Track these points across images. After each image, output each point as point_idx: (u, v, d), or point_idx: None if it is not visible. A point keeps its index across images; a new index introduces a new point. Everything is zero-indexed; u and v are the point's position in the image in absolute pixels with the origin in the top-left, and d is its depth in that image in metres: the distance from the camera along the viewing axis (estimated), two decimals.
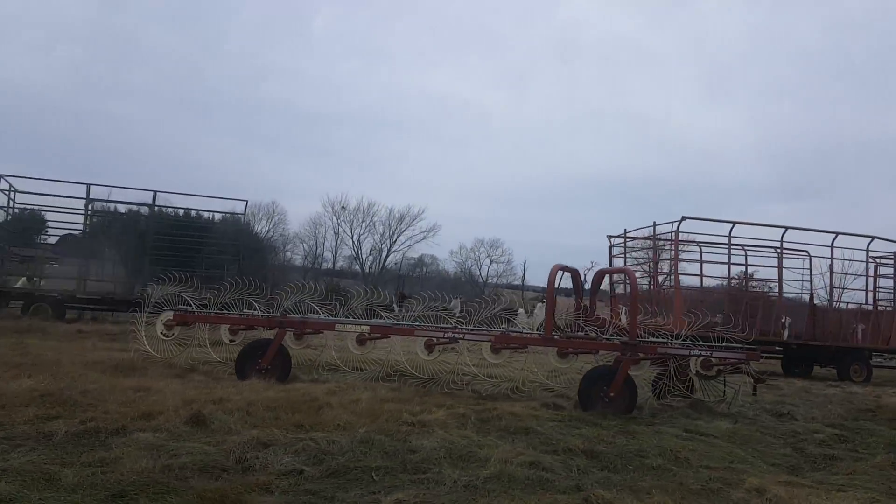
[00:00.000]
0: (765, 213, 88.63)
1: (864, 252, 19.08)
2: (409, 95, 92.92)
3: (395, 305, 16.55)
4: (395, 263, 59.28)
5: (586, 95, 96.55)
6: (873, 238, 19.14)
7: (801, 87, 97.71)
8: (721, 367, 8.76)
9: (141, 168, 78.24)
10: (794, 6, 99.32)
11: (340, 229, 57.70)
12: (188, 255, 22.00)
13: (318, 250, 58.25)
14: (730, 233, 18.48)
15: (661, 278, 20.31)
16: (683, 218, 17.90)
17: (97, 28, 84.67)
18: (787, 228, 18.58)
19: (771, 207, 79.10)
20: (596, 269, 16.21)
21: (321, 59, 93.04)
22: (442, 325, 8.98)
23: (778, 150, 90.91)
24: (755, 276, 20.08)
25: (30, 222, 24.01)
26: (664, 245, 19.17)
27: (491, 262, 62.75)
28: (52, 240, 24.40)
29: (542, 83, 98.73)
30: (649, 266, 20.20)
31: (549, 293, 8.84)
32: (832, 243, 18.98)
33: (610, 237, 20.70)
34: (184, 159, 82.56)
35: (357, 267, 58.91)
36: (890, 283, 19.81)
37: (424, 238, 57.32)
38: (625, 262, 20.76)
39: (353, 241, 58.05)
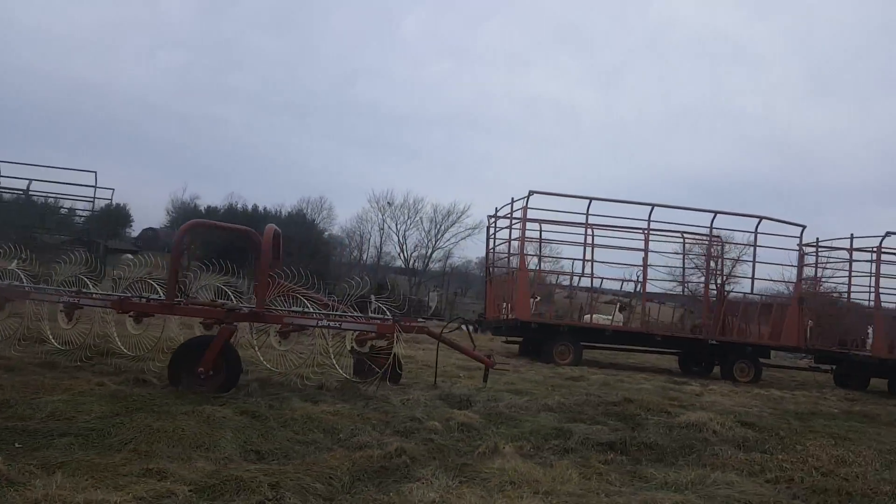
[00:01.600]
0: (871, 217, 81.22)
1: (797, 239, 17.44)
2: (498, 96, 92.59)
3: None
4: (439, 260, 58.21)
5: (681, 93, 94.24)
6: (804, 227, 17.39)
7: None
8: (374, 344, 7.65)
9: (240, 169, 79.60)
10: None
11: (385, 225, 56.91)
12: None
13: (364, 246, 58.28)
14: (587, 210, 16.80)
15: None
16: (531, 193, 16.45)
17: (200, 34, 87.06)
18: (653, 206, 17.03)
19: (879, 211, 74.75)
20: None
21: (411, 61, 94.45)
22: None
23: (890, 150, 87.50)
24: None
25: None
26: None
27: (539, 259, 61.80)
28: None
29: (634, 81, 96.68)
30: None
31: (174, 253, 7.71)
32: (756, 228, 17.19)
33: (489, 217, 19.27)
34: (281, 161, 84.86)
35: (401, 263, 58.23)
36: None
37: (469, 235, 55.05)
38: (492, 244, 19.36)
39: (399, 238, 57.08)
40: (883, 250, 16.32)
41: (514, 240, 17.73)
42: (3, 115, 67.67)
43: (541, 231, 17.15)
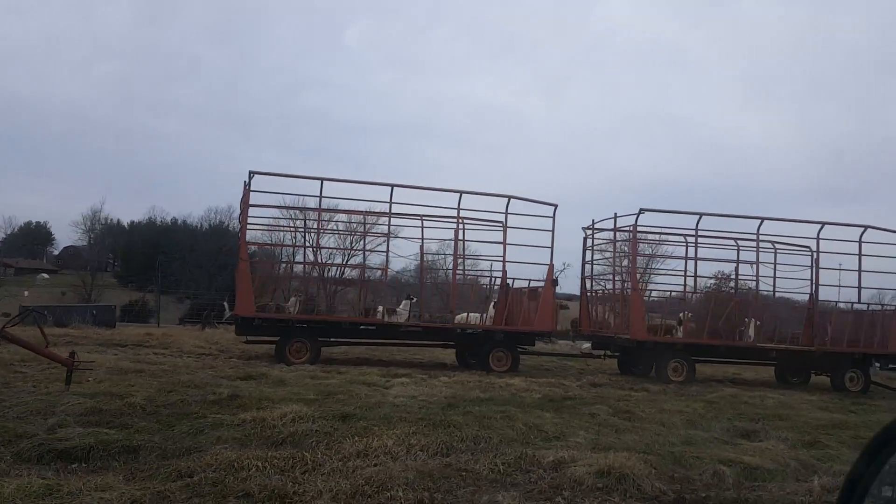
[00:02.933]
0: (810, 217, 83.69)
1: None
2: (444, 104, 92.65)
3: None
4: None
5: (623, 100, 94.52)
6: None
7: (846, 85, 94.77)
8: None
9: (183, 183, 79.90)
10: (837, 2, 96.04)
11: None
12: None
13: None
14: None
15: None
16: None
17: (138, 45, 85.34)
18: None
19: (813, 211, 76.34)
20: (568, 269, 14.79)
21: (356, 70, 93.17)
22: None
23: (822, 153, 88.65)
24: None
25: None
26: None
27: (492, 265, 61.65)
28: None
29: (578, 88, 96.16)
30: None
31: None
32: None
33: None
34: (223, 172, 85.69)
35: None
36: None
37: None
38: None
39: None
40: (638, 229, 15.62)
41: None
42: None
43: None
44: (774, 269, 17.23)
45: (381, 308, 16.39)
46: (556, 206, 15.21)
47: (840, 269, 16.35)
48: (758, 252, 16.00)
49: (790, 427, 8.41)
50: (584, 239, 17.79)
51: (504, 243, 15.59)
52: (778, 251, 17.08)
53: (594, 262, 17.73)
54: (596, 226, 17.37)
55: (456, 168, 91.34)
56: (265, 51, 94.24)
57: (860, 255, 15.81)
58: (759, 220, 15.70)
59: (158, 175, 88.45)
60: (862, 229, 15.89)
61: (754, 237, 15.77)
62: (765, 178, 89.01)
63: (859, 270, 15.90)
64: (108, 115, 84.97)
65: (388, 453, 5.75)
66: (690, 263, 16.76)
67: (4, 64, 76.62)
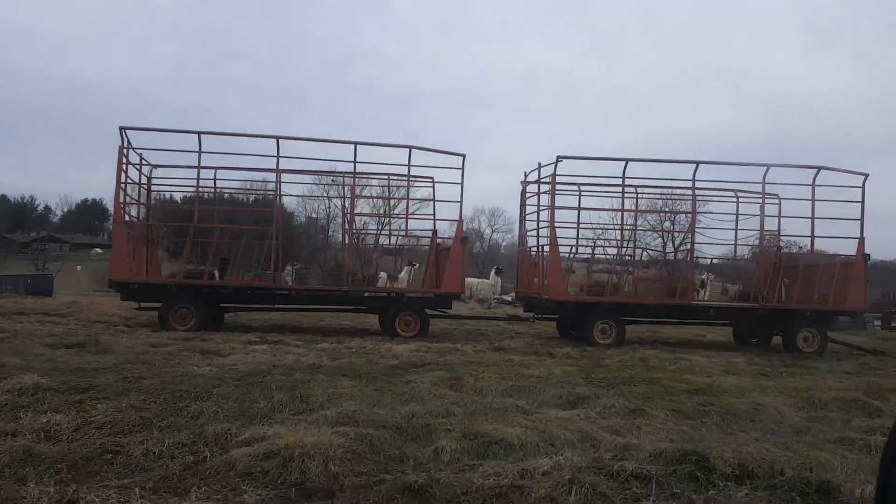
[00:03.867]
0: (874, 171, 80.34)
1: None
2: (494, 70, 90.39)
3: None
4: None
5: (680, 56, 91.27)
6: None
7: None
8: None
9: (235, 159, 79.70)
10: None
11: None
12: None
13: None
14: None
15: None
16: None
17: (192, 25, 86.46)
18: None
19: (884, 165, 72.47)
20: None
21: (405, 40, 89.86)
22: None
23: (892, 104, 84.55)
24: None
25: None
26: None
27: (492, 231, 60.91)
28: None
29: (632, 48, 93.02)
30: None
31: None
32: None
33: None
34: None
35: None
36: None
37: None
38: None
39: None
40: (557, 179, 13.92)
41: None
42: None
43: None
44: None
45: (382, 275, 15.95)
46: (463, 155, 13.81)
47: (780, 217, 14.77)
48: (694, 201, 14.50)
49: (637, 394, 7.22)
50: (521, 193, 16.43)
51: (408, 199, 14.56)
52: (720, 199, 15.58)
53: (526, 218, 16.30)
54: (528, 178, 15.95)
55: (506, 134, 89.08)
56: (316, 24, 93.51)
57: (813, 199, 14.18)
58: (694, 165, 14.08)
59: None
60: (815, 171, 14.23)
61: (689, 186, 14.23)
62: (832, 132, 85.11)
63: (812, 217, 14.28)
64: (165, 94, 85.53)
65: (49, 431, 4.79)
66: (629, 216, 15.21)
67: (66, 47, 77.53)
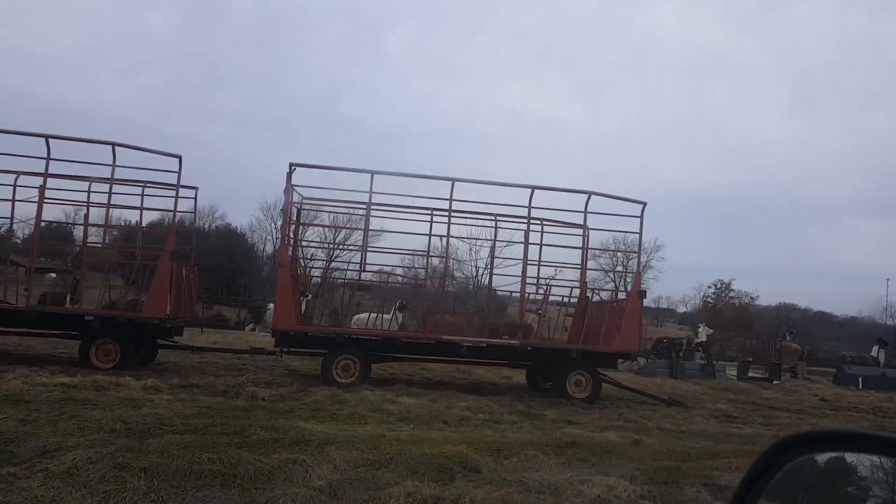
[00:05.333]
0: (854, 230, 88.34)
1: None
2: (482, 111, 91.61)
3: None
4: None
5: (664, 107, 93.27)
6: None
7: None
8: None
9: (225, 189, 78.31)
10: (891, 11, 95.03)
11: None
12: None
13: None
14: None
15: None
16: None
17: (183, 51, 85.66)
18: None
19: (864, 224, 74.97)
20: None
21: (397, 77, 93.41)
22: None
23: (872, 164, 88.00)
24: None
25: None
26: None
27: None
28: None
29: (618, 96, 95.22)
30: None
31: None
32: None
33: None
34: (263, 177, 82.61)
35: None
36: None
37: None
38: None
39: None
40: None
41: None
42: None
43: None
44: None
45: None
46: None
47: (542, 245, 13.30)
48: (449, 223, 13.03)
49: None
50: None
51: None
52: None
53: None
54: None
55: (493, 174, 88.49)
56: (308, 57, 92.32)
57: (585, 227, 13.03)
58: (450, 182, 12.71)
59: (200, 179, 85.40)
60: (586, 196, 13.01)
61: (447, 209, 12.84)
62: (812, 188, 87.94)
63: (584, 248, 13.07)
64: (153, 121, 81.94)
65: None
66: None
67: (56, 69, 74.32)
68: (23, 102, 73.52)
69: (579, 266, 13.50)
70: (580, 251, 13.21)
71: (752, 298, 55.16)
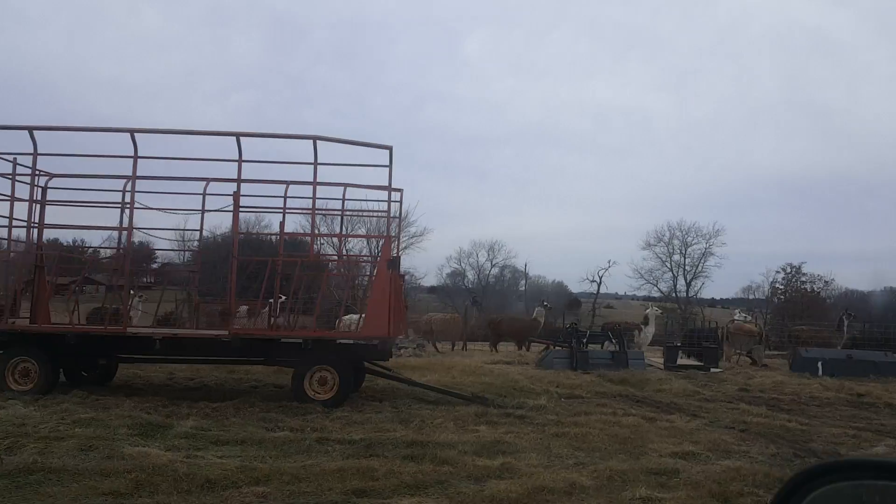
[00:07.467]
0: None
1: None
2: (564, 109, 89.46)
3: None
4: None
5: (758, 90, 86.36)
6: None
7: None
8: None
9: None
10: None
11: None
12: None
13: None
14: None
15: None
16: None
17: (268, 72, 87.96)
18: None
19: None
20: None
21: (476, 82, 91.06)
22: None
23: None
24: None
25: None
26: None
27: (492, 265, 57.91)
28: None
29: (708, 82, 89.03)
30: None
31: None
32: None
33: None
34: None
35: None
36: None
37: (411, 244, 48.65)
38: None
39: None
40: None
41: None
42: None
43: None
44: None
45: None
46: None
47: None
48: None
49: None
50: None
51: None
52: None
53: None
54: None
55: (578, 173, 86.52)
56: (388, 68, 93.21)
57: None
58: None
59: None
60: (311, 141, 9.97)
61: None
62: None
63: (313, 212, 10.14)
64: (244, 142, 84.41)
65: None
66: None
67: (151, 98, 78.26)
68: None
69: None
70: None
71: (825, 283, 48.53)
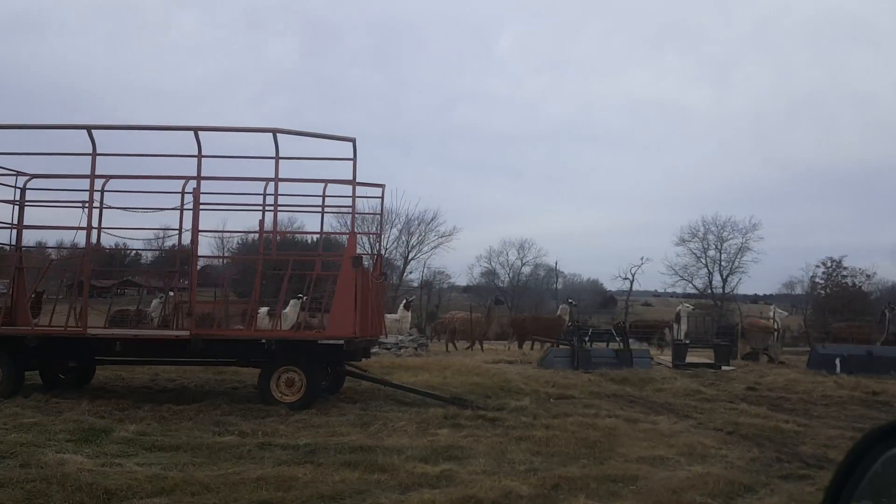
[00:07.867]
0: None
1: None
2: (599, 104, 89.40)
3: None
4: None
5: (799, 81, 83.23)
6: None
7: None
8: None
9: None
10: None
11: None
12: None
13: None
14: None
15: None
16: None
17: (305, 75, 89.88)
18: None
19: None
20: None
21: (509, 79, 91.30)
22: None
23: None
24: None
25: None
26: None
27: (522, 263, 57.48)
28: None
29: (746, 74, 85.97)
30: None
31: None
32: None
33: None
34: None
35: None
36: None
37: (440, 244, 47.27)
38: None
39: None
40: None
41: None
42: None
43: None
44: None
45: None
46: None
47: None
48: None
49: None
50: None
51: None
52: None
53: None
54: None
55: (613, 169, 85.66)
56: (421, 69, 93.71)
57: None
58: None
59: None
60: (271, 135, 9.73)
61: None
62: None
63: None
64: (282, 145, 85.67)
65: None
66: None
67: (192, 103, 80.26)
68: (163, 137, 77.25)
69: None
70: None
71: (867, 276, 46.35)
